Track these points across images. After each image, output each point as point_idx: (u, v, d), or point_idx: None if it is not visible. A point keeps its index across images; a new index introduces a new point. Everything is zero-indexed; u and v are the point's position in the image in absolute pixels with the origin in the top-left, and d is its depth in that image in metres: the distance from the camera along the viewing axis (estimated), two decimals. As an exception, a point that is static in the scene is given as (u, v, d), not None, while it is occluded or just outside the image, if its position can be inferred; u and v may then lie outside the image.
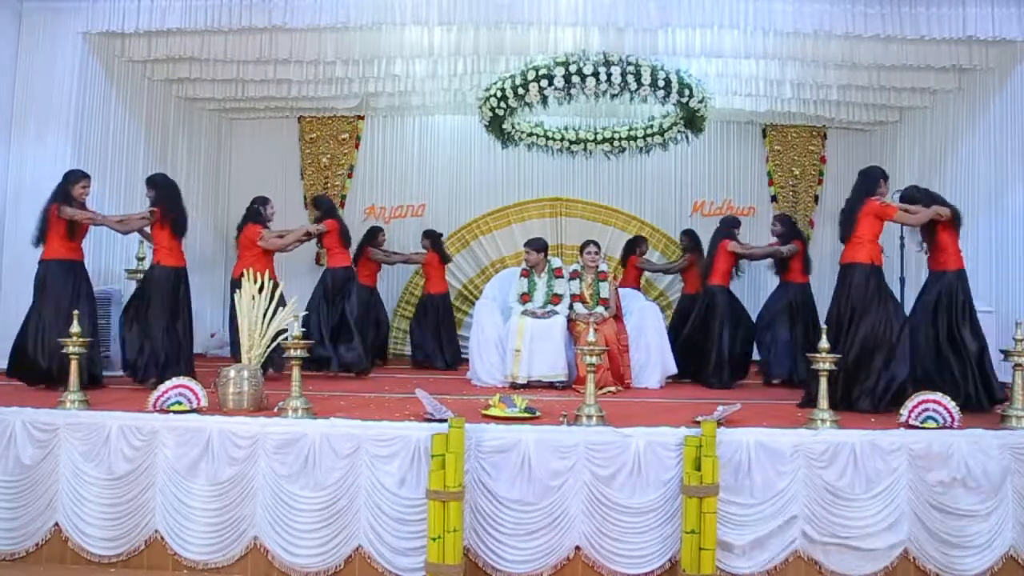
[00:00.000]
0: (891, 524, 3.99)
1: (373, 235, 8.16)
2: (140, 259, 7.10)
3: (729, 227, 6.95)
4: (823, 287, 7.18)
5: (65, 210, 5.52)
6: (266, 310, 4.85)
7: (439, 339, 8.09)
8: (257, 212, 6.64)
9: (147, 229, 5.95)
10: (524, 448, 4.00)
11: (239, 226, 6.69)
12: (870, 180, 5.24)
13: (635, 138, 7.76)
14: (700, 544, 3.77)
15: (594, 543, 3.98)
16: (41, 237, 5.59)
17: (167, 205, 5.67)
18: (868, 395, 4.92)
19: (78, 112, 6.76)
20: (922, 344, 5.18)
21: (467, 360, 7.07)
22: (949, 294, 5.22)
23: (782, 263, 6.98)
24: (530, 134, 7.74)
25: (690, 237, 7.89)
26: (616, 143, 7.79)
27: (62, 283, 5.52)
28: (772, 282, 8.87)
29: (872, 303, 5.01)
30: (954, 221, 5.29)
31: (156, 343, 5.53)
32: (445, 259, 8.39)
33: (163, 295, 5.60)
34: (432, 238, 8.30)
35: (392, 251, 8.50)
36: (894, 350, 4.94)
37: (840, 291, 5.14)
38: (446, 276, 8.49)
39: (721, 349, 6.53)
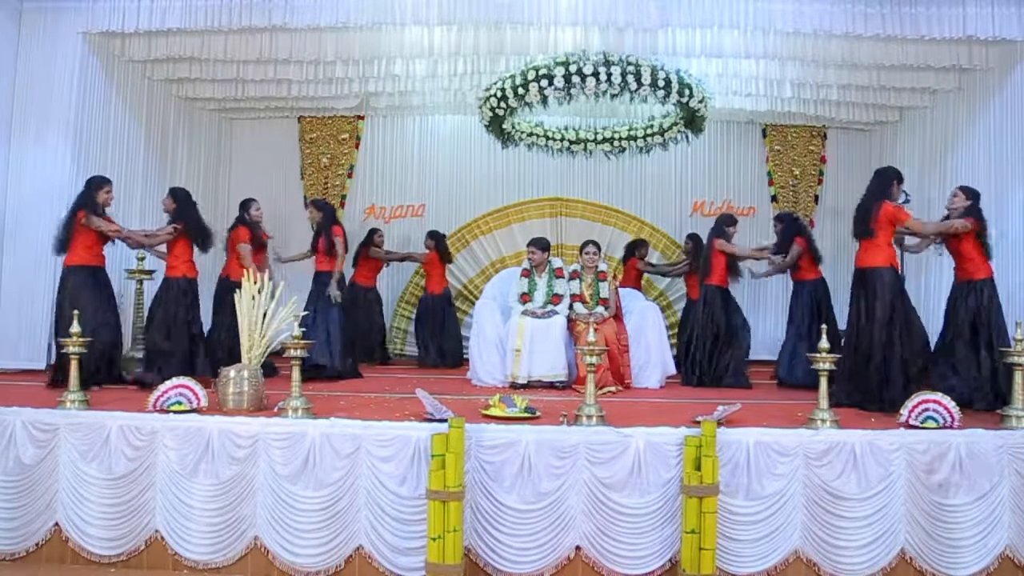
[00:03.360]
0: (890, 524, 4.00)
1: (371, 236, 8.28)
2: (141, 259, 7.09)
3: (721, 225, 6.92)
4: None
5: (92, 220, 5.55)
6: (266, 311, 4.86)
7: (439, 338, 8.23)
8: (241, 217, 6.65)
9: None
10: (524, 448, 4.01)
11: (229, 228, 6.70)
12: (885, 181, 5.24)
13: (635, 138, 7.76)
14: (700, 544, 3.77)
15: (594, 543, 3.98)
16: (64, 245, 5.59)
17: (189, 221, 5.87)
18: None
19: (78, 112, 6.76)
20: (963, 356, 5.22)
21: (468, 360, 7.08)
22: (988, 303, 5.26)
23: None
24: (530, 134, 7.74)
25: (694, 242, 7.88)
26: (616, 143, 7.79)
27: (89, 288, 5.54)
28: (773, 283, 8.99)
29: (898, 306, 5.04)
30: (979, 232, 5.30)
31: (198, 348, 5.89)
32: (446, 259, 8.50)
33: (187, 306, 5.84)
34: (436, 239, 8.41)
35: (390, 250, 8.61)
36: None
37: (861, 294, 5.13)
38: (446, 276, 8.56)
39: (703, 350, 6.58)
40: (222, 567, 4.07)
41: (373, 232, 8.35)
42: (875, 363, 4.98)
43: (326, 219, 6.79)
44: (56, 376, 5.48)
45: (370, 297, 8.33)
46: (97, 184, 5.70)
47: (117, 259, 7.16)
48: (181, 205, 5.92)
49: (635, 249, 8.42)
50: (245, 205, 6.71)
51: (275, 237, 7.06)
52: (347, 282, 8.21)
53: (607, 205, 9.19)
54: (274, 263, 7.10)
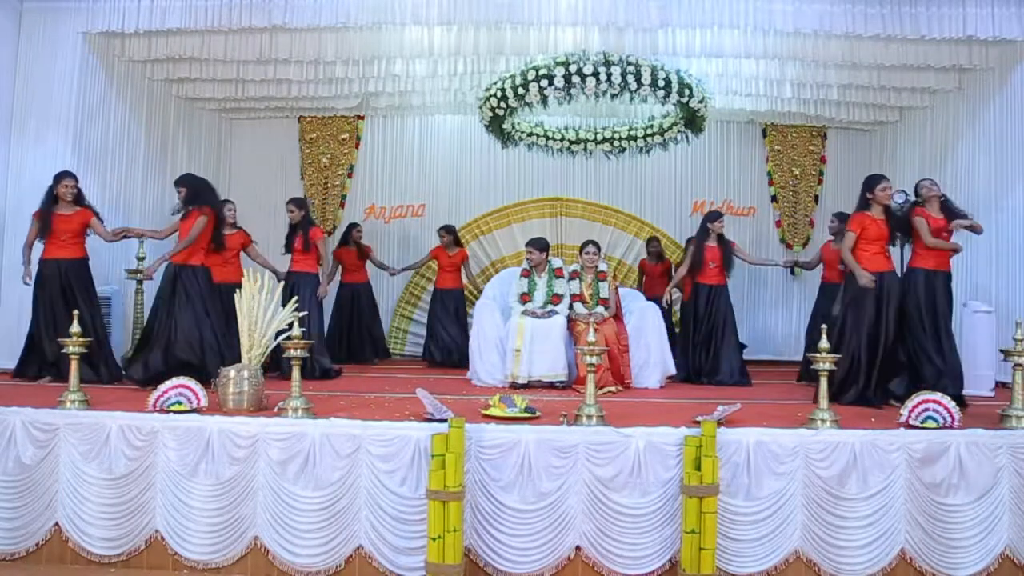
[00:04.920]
0: (890, 524, 4.00)
1: (349, 231, 8.27)
2: (140, 259, 7.09)
3: (704, 223, 7.03)
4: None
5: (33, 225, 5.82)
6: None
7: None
8: None
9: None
10: (524, 448, 4.01)
11: None
12: (862, 192, 5.41)
13: (635, 138, 7.75)
14: (700, 544, 3.77)
15: (594, 543, 3.98)
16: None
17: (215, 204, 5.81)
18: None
19: (78, 112, 6.77)
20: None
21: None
22: None
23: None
24: (530, 134, 7.74)
25: None
26: (616, 143, 7.78)
27: (43, 283, 5.79)
28: (772, 282, 9.07)
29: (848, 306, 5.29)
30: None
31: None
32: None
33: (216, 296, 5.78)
34: (453, 232, 8.31)
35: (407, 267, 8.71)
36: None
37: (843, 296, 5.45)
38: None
39: (692, 346, 6.82)
40: (222, 567, 4.06)
41: (352, 227, 8.33)
42: (845, 361, 5.10)
43: (306, 217, 6.76)
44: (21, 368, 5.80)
45: (360, 293, 8.32)
46: (55, 178, 5.87)
47: (117, 259, 7.17)
48: (196, 190, 5.73)
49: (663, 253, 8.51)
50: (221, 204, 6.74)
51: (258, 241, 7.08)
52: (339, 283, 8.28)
53: (607, 205, 9.20)
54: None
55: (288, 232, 6.82)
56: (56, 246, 5.83)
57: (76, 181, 5.91)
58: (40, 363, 5.80)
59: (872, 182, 5.39)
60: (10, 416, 4.26)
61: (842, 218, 7.24)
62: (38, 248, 5.92)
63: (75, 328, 4.48)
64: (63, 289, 5.79)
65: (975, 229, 5.39)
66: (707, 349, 6.78)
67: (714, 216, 7.04)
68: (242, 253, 6.82)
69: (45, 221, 5.79)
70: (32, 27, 6.75)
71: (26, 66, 6.74)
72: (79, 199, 5.93)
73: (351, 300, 8.23)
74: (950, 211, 5.38)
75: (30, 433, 4.22)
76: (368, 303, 8.35)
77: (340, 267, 8.29)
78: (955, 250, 5.39)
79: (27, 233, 5.88)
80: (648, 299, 7.36)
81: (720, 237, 6.95)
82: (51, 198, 5.84)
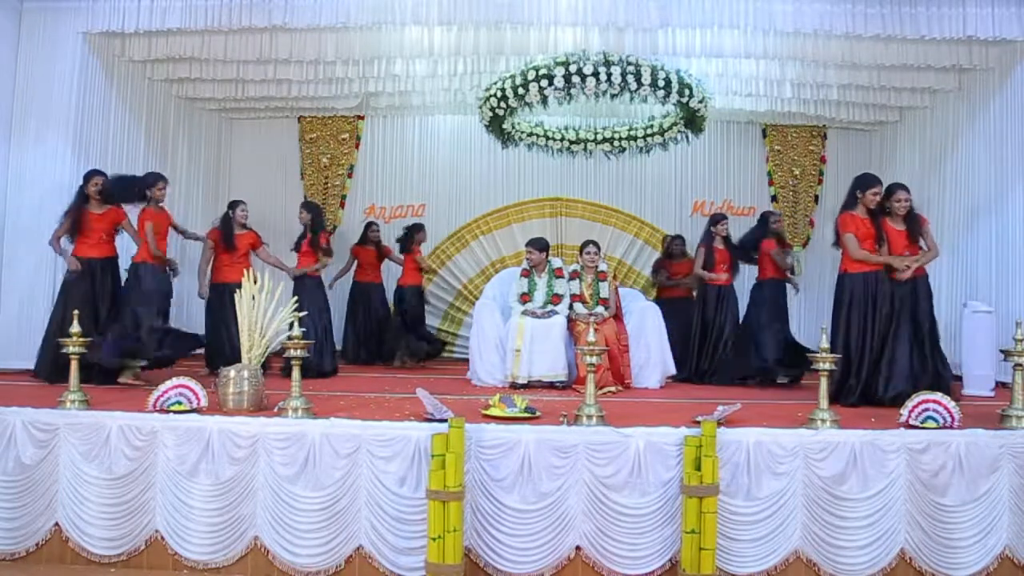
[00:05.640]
0: (890, 524, 3.99)
1: (366, 231, 8.29)
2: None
3: (708, 226, 7.05)
4: (824, 288, 7.23)
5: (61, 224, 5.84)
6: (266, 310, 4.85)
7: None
8: (225, 215, 6.67)
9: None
10: (524, 448, 4.00)
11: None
12: (850, 190, 5.43)
13: (635, 138, 7.76)
14: (700, 544, 3.77)
15: (594, 543, 3.98)
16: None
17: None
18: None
19: (78, 112, 6.77)
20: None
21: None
22: None
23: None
24: (530, 134, 7.75)
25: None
26: (616, 143, 7.79)
27: (75, 282, 5.79)
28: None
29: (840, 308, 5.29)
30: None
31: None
32: (404, 250, 8.24)
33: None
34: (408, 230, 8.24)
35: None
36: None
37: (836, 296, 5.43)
38: (415, 268, 8.27)
39: (696, 346, 6.84)
40: (222, 567, 4.06)
41: (369, 225, 8.34)
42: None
43: (315, 221, 6.87)
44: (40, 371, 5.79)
45: (372, 293, 8.31)
46: (85, 177, 5.91)
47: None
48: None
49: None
50: (231, 205, 6.78)
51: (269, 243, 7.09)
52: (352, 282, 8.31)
53: (607, 205, 9.21)
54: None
55: (301, 234, 6.90)
56: (88, 245, 5.85)
57: (105, 179, 5.94)
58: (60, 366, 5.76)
59: (864, 185, 5.33)
60: (10, 416, 4.25)
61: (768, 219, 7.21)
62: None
63: (75, 328, 4.48)
64: (92, 288, 5.80)
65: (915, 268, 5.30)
66: (716, 350, 6.76)
67: (718, 219, 7.06)
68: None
69: (77, 219, 5.80)
70: (32, 27, 6.75)
71: (26, 66, 6.74)
72: (109, 198, 5.94)
73: (363, 299, 8.23)
74: (914, 227, 5.33)
75: (30, 433, 4.21)
76: (381, 305, 8.34)
77: (356, 264, 8.31)
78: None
79: (55, 229, 5.85)
80: (658, 299, 7.39)
81: (725, 239, 6.96)
82: (82, 197, 5.85)
